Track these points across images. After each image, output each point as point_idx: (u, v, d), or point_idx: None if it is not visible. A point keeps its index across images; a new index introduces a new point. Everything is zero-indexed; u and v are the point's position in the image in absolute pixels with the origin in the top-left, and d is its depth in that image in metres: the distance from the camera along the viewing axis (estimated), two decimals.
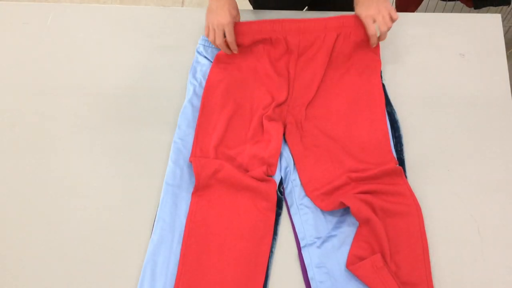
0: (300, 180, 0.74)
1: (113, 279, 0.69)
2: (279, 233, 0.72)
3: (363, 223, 0.68)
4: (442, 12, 1.16)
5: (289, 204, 0.73)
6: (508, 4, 0.87)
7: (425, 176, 0.75)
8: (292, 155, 0.76)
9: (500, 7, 1.44)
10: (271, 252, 0.69)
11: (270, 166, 0.74)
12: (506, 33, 1.47)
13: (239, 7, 0.81)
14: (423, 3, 1.47)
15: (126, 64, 0.87)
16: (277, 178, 0.74)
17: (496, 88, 0.82)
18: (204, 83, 0.82)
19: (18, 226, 0.73)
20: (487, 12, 0.90)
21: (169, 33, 0.90)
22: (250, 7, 0.98)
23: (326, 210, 0.70)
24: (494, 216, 0.71)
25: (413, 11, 1.44)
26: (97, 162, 0.78)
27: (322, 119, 0.78)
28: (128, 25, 0.92)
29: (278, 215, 0.72)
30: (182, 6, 1.84)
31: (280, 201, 0.73)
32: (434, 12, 1.17)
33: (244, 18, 0.86)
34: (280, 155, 0.76)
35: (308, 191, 0.72)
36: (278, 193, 0.73)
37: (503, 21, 1.33)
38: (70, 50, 0.89)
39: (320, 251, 0.68)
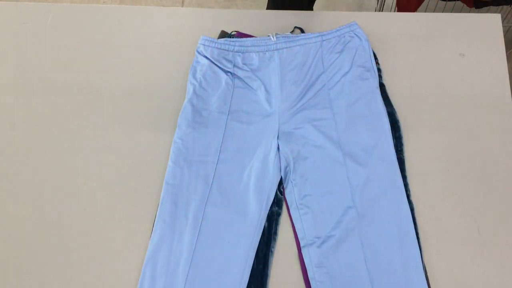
0: None
1: (113, 279, 0.69)
2: (279, 233, 0.72)
3: None
4: (442, 12, 1.16)
5: (289, 204, 0.73)
6: (508, 4, 0.87)
7: (425, 176, 0.75)
8: None
9: (500, 7, 1.44)
10: (271, 252, 0.69)
11: None
12: (506, 33, 1.47)
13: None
14: (423, 3, 1.46)
15: (126, 64, 0.87)
16: (277, 178, 0.74)
17: (496, 88, 0.82)
18: (204, 83, 0.81)
19: (17, 226, 0.73)
20: (487, 12, 0.90)
21: (169, 33, 0.90)
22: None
23: None
24: (494, 216, 0.71)
25: (413, 11, 1.44)
26: (97, 162, 0.78)
27: None
28: (128, 25, 0.92)
29: (278, 215, 0.72)
30: (182, 6, 1.84)
31: (280, 201, 0.73)
32: (434, 12, 1.17)
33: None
34: (280, 154, 0.76)
35: None
36: (278, 193, 0.73)
37: (503, 21, 1.33)
38: (70, 50, 0.89)
39: (320, 251, 0.68)
